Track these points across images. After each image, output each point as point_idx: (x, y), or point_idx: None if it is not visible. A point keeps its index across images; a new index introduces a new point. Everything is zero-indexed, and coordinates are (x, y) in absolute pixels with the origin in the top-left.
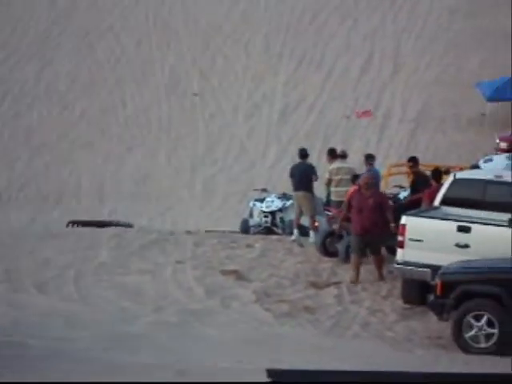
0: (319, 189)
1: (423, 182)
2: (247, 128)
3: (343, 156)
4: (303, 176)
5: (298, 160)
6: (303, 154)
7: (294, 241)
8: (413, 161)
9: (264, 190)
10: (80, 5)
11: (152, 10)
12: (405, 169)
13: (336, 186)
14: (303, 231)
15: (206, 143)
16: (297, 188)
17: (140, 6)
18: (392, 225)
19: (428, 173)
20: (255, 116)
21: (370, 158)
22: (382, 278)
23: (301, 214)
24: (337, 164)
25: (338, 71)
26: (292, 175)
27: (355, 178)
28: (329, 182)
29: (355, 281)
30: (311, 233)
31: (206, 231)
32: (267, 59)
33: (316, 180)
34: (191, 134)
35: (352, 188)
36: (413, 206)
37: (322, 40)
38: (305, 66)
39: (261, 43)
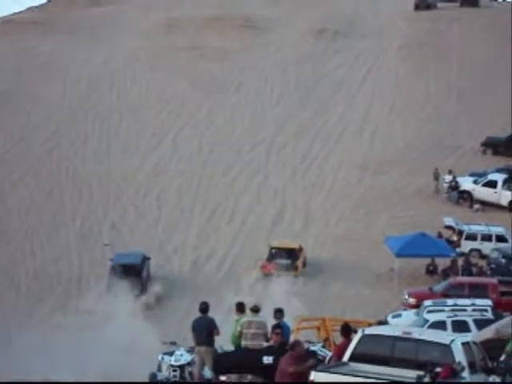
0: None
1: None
2: (159, 278)
3: (255, 310)
4: (204, 330)
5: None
6: (203, 308)
7: None
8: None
9: (173, 344)
10: None
11: (64, 161)
12: (315, 323)
13: (247, 340)
14: None
15: None
16: (199, 343)
17: (52, 156)
18: None
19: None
20: (166, 267)
21: (279, 313)
22: None
23: (202, 367)
24: (248, 317)
25: (249, 224)
26: (193, 329)
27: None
28: (240, 335)
29: None
30: None
31: None
32: (179, 211)
33: (217, 334)
34: (101, 286)
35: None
36: None
37: (233, 193)
38: (217, 218)
39: (173, 195)
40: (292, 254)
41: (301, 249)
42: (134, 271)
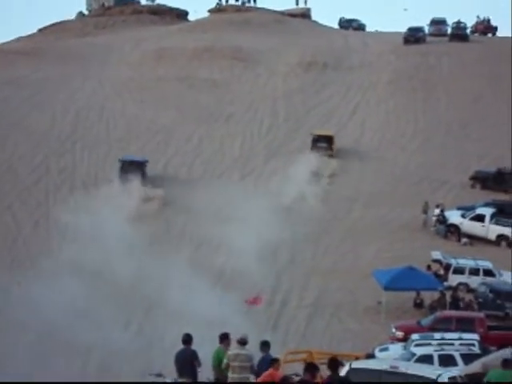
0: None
1: None
2: (145, 310)
3: (243, 342)
4: (186, 362)
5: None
6: (186, 339)
7: None
8: None
9: (159, 375)
10: None
11: (52, 191)
12: (302, 355)
13: (233, 372)
14: None
15: None
16: (180, 374)
17: (40, 186)
18: None
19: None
20: (154, 298)
21: (265, 345)
22: None
23: None
24: (235, 350)
25: (235, 255)
26: (176, 361)
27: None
28: (227, 367)
29: None
30: None
31: None
32: (168, 239)
33: (199, 366)
34: None
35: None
36: None
37: (220, 222)
38: (204, 249)
39: (161, 224)
40: (329, 139)
41: (333, 136)
42: (138, 166)
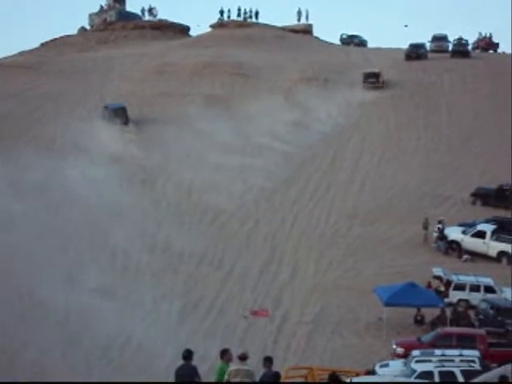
0: None
1: None
2: (145, 326)
3: (243, 358)
4: (186, 378)
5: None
6: (186, 355)
7: None
8: None
9: None
10: None
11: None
12: (302, 372)
13: None
14: None
15: None
16: None
17: (44, 199)
18: None
19: None
20: (154, 313)
21: (267, 361)
22: None
23: None
24: (236, 366)
25: (237, 271)
26: (177, 377)
27: None
28: None
29: None
30: None
31: None
32: (167, 257)
33: (199, 381)
34: None
35: None
36: None
37: (222, 240)
38: (205, 265)
39: (163, 241)
40: (376, 75)
41: (381, 73)
42: (121, 111)
